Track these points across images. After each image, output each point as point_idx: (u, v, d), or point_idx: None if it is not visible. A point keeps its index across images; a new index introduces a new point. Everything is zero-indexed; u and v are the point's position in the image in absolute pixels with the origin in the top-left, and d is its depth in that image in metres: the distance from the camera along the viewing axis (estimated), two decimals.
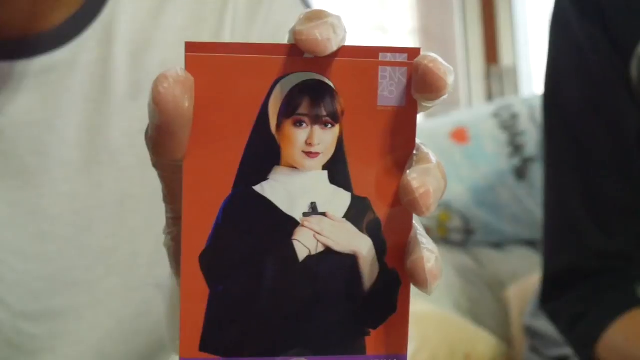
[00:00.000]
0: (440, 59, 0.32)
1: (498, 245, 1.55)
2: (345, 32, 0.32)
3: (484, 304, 1.44)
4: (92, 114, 0.56)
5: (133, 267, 0.57)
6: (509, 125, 1.55)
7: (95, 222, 0.56)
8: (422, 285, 0.32)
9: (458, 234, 1.53)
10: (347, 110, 0.32)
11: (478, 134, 1.55)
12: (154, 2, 0.58)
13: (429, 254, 0.32)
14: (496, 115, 1.58)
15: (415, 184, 0.31)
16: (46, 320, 0.56)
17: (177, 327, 0.33)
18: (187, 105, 0.31)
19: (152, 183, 0.57)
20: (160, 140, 0.31)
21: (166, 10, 0.58)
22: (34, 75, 0.55)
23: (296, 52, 0.31)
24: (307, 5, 0.62)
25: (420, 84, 0.32)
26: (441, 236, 1.53)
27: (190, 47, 0.31)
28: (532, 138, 1.52)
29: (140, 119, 0.57)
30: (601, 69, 0.85)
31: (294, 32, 0.31)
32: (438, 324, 1.26)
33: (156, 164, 0.34)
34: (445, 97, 0.32)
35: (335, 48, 0.31)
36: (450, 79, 0.32)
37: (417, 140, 0.33)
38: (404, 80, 0.32)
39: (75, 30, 0.56)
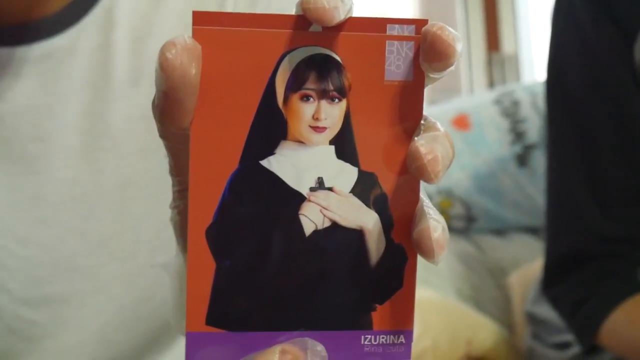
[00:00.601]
0: (448, 27, 0.31)
1: (500, 232, 1.55)
2: (352, 3, 0.31)
3: (486, 290, 1.44)
4: (93, 100, 0.56)
5: (135, 254, 0.57)
6: (510, 112, 1.55)
7: (97, 209, 0.56)
8: (429, 255, 0.32)
9: (460, 221, 1.53)
10: (354, 84, 0.32)
11: (480, 121, 1.55)
12: None
13: (435, 223, 0.32)
14: (498, 102, 1.57)
15: (423, 149, 0.31)
16: (47, 307, 0.56)
17: (184, 307, 0.33)
18: (193, 72, 0.31)
19: (153, 169, 0.57)
20: (167, 107, 0.31)
21: None
22: (34, 61, 0.55)
23: (303, 24, 0.31)
24: None
25: (429, 52, 0.31)
26: None
27: (198, 18, 0.31)
28: (534, 125, 1.52)
29: (141, 105, 0.57)
30: (605, 53, 0.84)
31: (301, 2, 0.30)
32: (440, 311, 1.26)
33: (163, 134, 0.34)
34: (452, 68, 0.32)
35: (342, 17, 0.31)
36: (458, 46, 0.31)
37: (424, 113, 0.33)
38: (411, 54, 0.32)
39: (75, 16, 0.56)
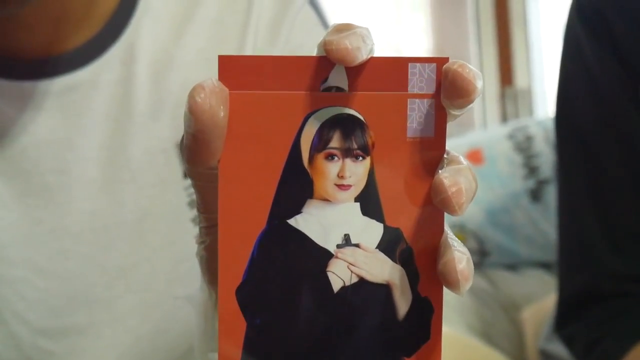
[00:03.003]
0: (468, 64, 0.32)
1: (513, 267, 1.54)
2: (373, 43, 0.32)
3: (499, 326, 1.43)
4: (114, 133, 0.56)
5: (152, 285, 0.57)
6: (524, 147, 1.55)
7: (115, 240, 0.57)
8: (454, 286, 0.32)
9: (473, 255, 1.51)
10: (377, 142, 0.33)
11: (493, 156, 1.55)
12: (176, 23, 0.59)
13: (460, 254, 0.33)
14: (511, 136, 1.58)
15: (447, 182, 0.32)
16: (65, 338, 0.56)
17: (208, 341, 0.33)
18: (222, 115, 0.32)
19: (171, 202, 0.58)
20: (196, 149, 0.32)
21: (188, 31, 0.59)
22: (57, 95, 0.55)
23: (326, 64, 0.32)
24: (327, 27, 0.63)
25: (450, 90, 0.32)
26: None
27: (223, 62, 0.32)
28: (547, 160, 1.52)
29: (161, 138, 0.57)
30: (612, 91, 0.85)
31: (324, 43, 0.31)
32: (452, 346, 1.26)
33: (191, 173, 0.35)
34: (472, 105, 0.33)
35: (364, 57, 0.32)
36: (479, 84, 0.32)
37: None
38: (433, 112, 0.33)
39: (97, 50, 0.57)
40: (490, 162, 1.54)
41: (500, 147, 1.55)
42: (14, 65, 0.55)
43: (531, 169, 1.52)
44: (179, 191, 0.58)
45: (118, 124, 0.57)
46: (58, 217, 0.55)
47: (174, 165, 0.58)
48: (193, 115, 0.31)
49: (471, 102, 0.32)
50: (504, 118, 2.09)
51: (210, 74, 0.58)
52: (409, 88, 0.33)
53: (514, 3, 2.12)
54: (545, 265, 1.52)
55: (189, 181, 0.57)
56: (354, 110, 0.33)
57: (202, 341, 0.40)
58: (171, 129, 0.58)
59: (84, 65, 0.56)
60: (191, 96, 0.31)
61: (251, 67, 0.32)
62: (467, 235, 1.51)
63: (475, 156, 1.55)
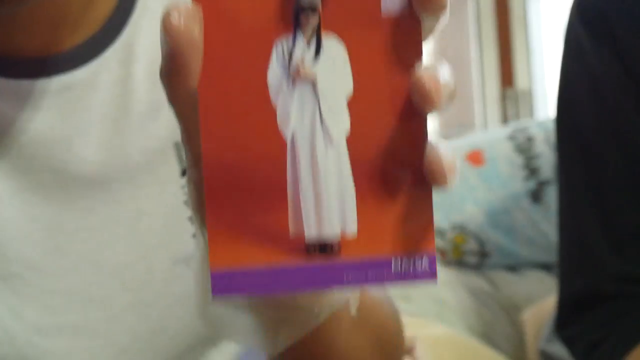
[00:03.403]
0: None
1: (513, 268, 1.54)
2: None
3: (499, 327, 1.43)
4: (111, 133, 0.57)
5: (148, 284, 0.57)
6: (524, 148, 1.55)
7: (111, 239, 0.57)
8: (441, 178, 0.33)
9: (473, 257, 1.53)
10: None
11: (493, 157, 1.55)
12: None
13: (444, 148, 0.33)
14: (512, 138, 1.57)
15: (425, 76, 0.32)
16: (61, 336, 0.56)
17: (207, 292, 0.34)
18: (196, 31, 0.32)
19: (168, 201, 0.58)
20: (174, 70, 0.33)
21: None
22: (54, 94, 0.56)
23: None
24: None
25: None
26: (456, 258, 1.52)
27: None
28: (548, 161, 1.52)
29: (158, 137, 0.57)
30: (613, 92, 0.85)
31: None
32: (452, 347, 1.26)
33: (172, 99, 0.35)
34: (446, 13, 0.33)
35: None
36: None
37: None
38: None
39: (95, 50, 0.57)
40: (490, 163, 1.54)
41: (500, 148, 1.55)
42: (12, 64, 0.55)
43: (532, 170, 1.52)
44: (176, 190, 0.58)
45: (116, 124, 0.57)
46: (53, 214, 0.56)
47: (172, 165, 0.58)
48: (168, 35, 0.32)
49: (442, 7, 0.32)
50: (505, 119, 2.10)
51: None
52: (382, 1, 0.33)
53: (515, 4, 2.13)
54: (545, 267, 1.52)
55: (186, 180, 0.58)
56: None
57: (200, 292, 0.40)
58: (169, 128, 0.58)
59: (81, 64, 0.56)
60: (165, 17, 0.32)
61: None
62: (468, 236, 1.51)
63: (475, 157, 1.55)
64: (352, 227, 0.34)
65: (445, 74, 0.33)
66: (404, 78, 0.33)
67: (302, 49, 0.33)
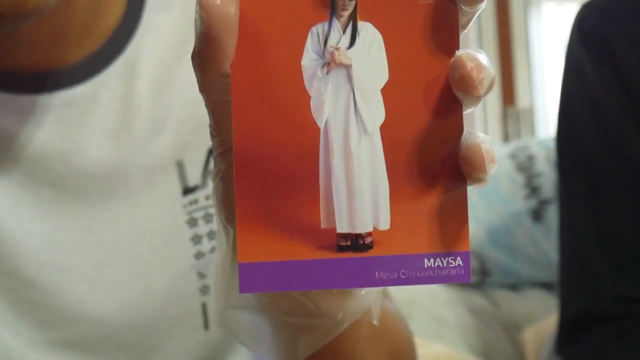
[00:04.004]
0: None
1: (514, 286, 1.54)
2: None
3: (499, 346, 1.42)
4: (112, 149, 0.56)
5: (146, 303, 0.57)
6: (525, 166, 1.55)
7: (109, 257, 0.56)
8: (479, 167, 0.32)
9: (474, 275, 1.52)
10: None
11: (494, 175, 1.55)
12: (178, 40, 0.59)
13: (484, 136, 0.32)
14: (513, 156, 1.58)
15: (466, 57, 0.32)
16: (55, 352, 0.56)
17: (227, 295, 0.34)
18: (232, 11, 0.31)
19: (169, 220, 0.57)
20: (207, 50, 0.32)
21: (190, 48, 0.59)
22: (55, 109, 0.55)
23: None
24: None
25: None
26: None
27: None
28: (549, 180, 1.52)
29: (160, 155, 0.57)
30: (613, 113, 0.85)
31: None
32: None
33: (203, 85, 0.34)
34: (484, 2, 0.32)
35: None
36: None
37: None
38: None
39: (98, 66, 0.57)
40: (491, 181, 1.54)
41: (501, 167, 1.55)
42: (13, 79, 0.55)
43: (533, 189, 1.52)
44: (176, 209, 0.58)
45: (117, 140, 0.56)
46: (50, 230, 0.55)
47: (173, 183, 0.58)
48: (204, 10, 0.31)
49: None
50: (506, 138, 2.10)
51: None
52: None
53: (516, 23, 2.13)
54: (546, 286, 1.51)
55: (187, 199, 0.58)
56: None
57: (220, 298, 0.39)
58: (171, 146, 0.58)
59: (83, 80, 0.56)
60: None
61: None
62: None
63: None
64: (385, 223, 0.33)
65: (484, 59, 0.32)
66: (441, 66, 0.32)
67: (338, 35, 0.33)
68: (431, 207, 0.33)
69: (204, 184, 0.58)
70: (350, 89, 0.33)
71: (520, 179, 1.53)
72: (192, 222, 0.57)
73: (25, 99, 0.55)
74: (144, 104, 0.57)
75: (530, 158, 1.55)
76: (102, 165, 0.56)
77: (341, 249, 0.33)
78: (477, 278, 1.52)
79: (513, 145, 1.65)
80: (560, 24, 2.07)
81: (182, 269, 0.57)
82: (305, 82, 0.33)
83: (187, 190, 0.58)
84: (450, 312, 1.44)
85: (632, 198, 0.85)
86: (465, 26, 0.33)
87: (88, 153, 0.56)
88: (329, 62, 0.33)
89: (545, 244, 1.49)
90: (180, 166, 0.57)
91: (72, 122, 0.56)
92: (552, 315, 1.17)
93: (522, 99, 2.11)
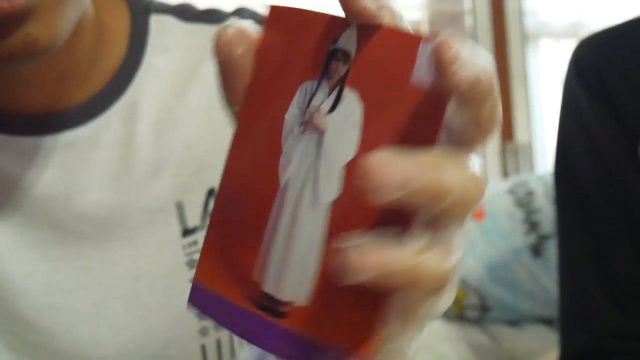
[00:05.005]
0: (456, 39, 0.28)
1: (514, 322, 1.53)
2: (400, 15, 0.31)
3: None
4: (112, 191, 0.56)
5: (145, 345, 0.57)
6: (524, 202, 1.55)
7: (109, 298, 0.56)
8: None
9: (474, 311, 1.52)
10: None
11: (494, 211, 1.55)
12: (179, 81, 0.59)
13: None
14: (512, 192, 1.58)
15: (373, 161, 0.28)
16: None
17: None
18: (239, 51, 0.33)
19: (168, 261, 0.57)
20: (219, 85, 0.33)
21: (191, 89, 0.59)
22: (56, 151, 0.56)
23: (341, 25, 0.32)
24: None
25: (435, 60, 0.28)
26: (457, 313, 1.51)
27: (273, 12, 0.33)
28: (548, 215, 1.52)
29: (160, 197, 0.57)
30: (610, 149, 0.85)
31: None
32: None
33: (231, 116, 0.36)
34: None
35: (381, 19, 0.30)
36: (463, 52, 0.28)
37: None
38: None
39: (99, 108, 0.57)
40: (491, 217, 1.54)
41: (501, 202, 1.55)
42: (14, 120, 0.55)
43: (532, 224, 1.52)
44: (176, 251, 0.58)
45: (117, 182, 0.57)
46: (50, 271, 0.55)
47: (172, 225, 0.58)
48: (215, 48, 0.33)
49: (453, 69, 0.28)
50: (505, 173, 2.10)
51: (213, 132, 0.59)
52: (414, 69, 0.29)
53: (514, 59, 2.15)
54: (546, 321, 1.51)
55: (186, 240, 0.58)
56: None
57: None
58: (171, 188, 0.58)
59: (85, 122, 0.56)
60: (218, 30, 0.33)
61: (292, 17, 0.33)
62: (469, 290, 1.50)
63: (475, 211, 1.55)
64: (303, 299, 0.32)
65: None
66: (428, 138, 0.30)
67: (323, 97, 0.32)
68: (350, 302, 0.31)
69: (203, 225, 0.58)
70: (317, 157, 0.32)
71: (519, 214, 1.53)
72: (192, 264, 0.57)
73: (27, 141, 0.55)
74: (144, 146, 0.57)
75: (530, 194, 1.55)
76: (102, 207, 0.56)
77: (259, 306, 0.33)
78: (477, 314, 1.51)
79: (512, 181, 1.65)
80: (558, 59, 2.08)
81: (182, 311, 0.56)
82: (282, 136, 0.33)
83: (187, 232, 0.58)
84: (450, 348, 1.44)
85: (630, 234, 0.85)
86: (475, 142, 0.30)
87: (88, 195, 0.56)
88: (307, 122, 0.32)
89: (545, 279, 1.49)
90: (179, 207, 0.58)
91: (73, 164, 0.56)
92: (553, 351, 1.16)
93: (520, 135, 2.12)
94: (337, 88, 0.31)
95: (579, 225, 0.88)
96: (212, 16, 0.62)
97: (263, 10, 0.63)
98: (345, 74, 0.31)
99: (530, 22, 2.18)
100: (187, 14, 0.62)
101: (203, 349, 0.58)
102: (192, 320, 0.57)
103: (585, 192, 0.88)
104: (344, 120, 0.31)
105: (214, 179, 0.58)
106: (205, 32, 0.61)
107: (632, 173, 0.84)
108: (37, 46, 0.47)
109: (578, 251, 0.88)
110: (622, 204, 0.85)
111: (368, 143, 0.30)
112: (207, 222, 0.57)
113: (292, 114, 0.33)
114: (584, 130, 0.87)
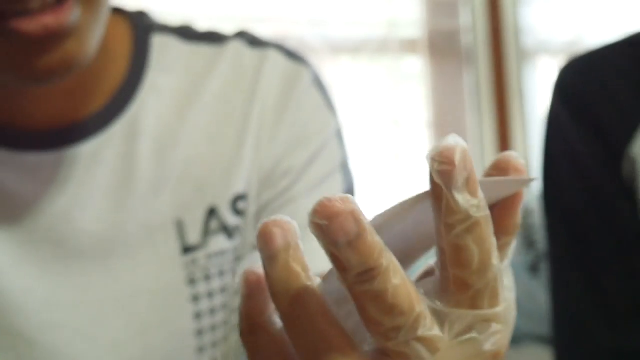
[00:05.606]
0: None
1: (512, 341, 1.53)
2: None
3: None
4: (113, 208, 0.57)
5: None
6: (522, 220, 1.55)
7: (108, 315, 0.56)
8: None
9: None
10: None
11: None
12: (181, 100, 0.60)
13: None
14: None
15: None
16: None
17: None
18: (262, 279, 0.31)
19: (168, 279, 0.57)
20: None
21: (192, 108, 0.60)
22: (58, 167, 0.56)
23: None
24: (332, 108, 0.63)
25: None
26: None
27: None
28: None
29: (160, 214, 0.57)
30: (596, 171, 0.86)
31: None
32: None
33: None
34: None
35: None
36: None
37: None
38: None
39: (101, 125, 0.57)
40: None
41: None
42: (18, 136, 0.55)
43: (529, 243, 1.52)
44: (176, 268, 0.58)
45: (118, 199, 0.57)
46: (50, 287, 0.55)
47: (172, 242, 0.58)
48: (242, 278, 0.32)
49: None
50: None
51: (213, 151, 0.59)
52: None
53: (512, 78, 2.16)
54: (544, 340, 1.51)
55: (186, 258, 0.58)
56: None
57: None
58: (172, 205, 0.58)
59: (87, 139, 0.57)
60: (246, 270, 0.32)
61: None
62: None
63: None
64: None
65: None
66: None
67: None
68: None
69: (203, 243, 0.58)
70: None
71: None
72: (191, 282, 0.58)
73: (31, 157, 0.55)
74: (145, 163, 0.58)
75: (527, 212, 1.56)
76: (102, 224, 0.56)
77: None
78: None
79: None
80: (555, 75, 2.09)
81: (180, 328, 0.57)
82: None
83: (187, 250, 0.58)
84: None
85: (619, 253, 0.85)
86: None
87: (89, 211, 0.56)
88: None
89: (542, 298, 1.49)
90: (179, 225, 0.58)
91: (74, 180, 0.56)
92: None
93: (517, 152, 2.13)
94: None
95: (567, 243, 0.88)
96: (213, 37, 0.62)
97: (262, 33, 0.64)
98: None
99: (528, 40, 2.19)
100: (188, 34, 0.62)
101: None
102: (190, 338, 0.57)
103: (573, 215, 0.88)
104: None
105: (214, 198, 0.58)
106: (207, 53, 0.61)
107: (617, 192, 0.84)
108: (73, 63, 0.49)
109: (568, 272, 0.89)
110: (610, 222, 0.85)
111: None
112: (207, 240, 0.58)
113: None
114: (568, 152, 0.88)
